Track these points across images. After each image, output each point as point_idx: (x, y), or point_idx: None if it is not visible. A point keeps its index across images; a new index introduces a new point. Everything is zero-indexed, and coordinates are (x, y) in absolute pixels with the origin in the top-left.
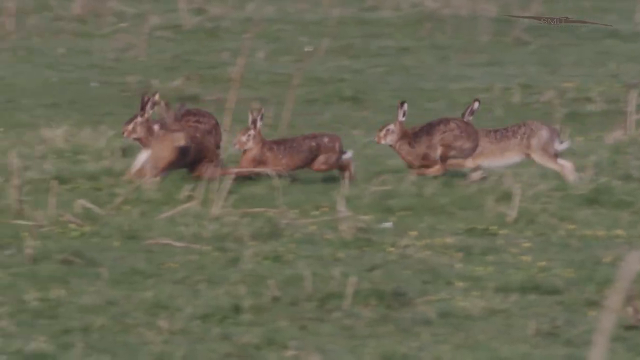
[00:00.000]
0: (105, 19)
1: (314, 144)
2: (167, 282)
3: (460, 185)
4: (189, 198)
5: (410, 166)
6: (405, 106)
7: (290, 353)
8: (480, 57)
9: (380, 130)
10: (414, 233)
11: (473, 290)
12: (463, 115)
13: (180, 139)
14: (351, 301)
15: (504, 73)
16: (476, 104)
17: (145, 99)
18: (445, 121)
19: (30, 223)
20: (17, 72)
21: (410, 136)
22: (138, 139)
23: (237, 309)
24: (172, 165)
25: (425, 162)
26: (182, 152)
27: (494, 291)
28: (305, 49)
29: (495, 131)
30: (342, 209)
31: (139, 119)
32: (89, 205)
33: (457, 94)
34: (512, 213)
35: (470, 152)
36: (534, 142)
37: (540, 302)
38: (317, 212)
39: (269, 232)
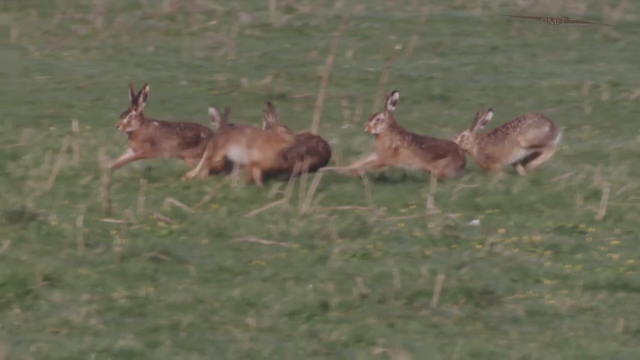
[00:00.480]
0: (195, 17)
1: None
2: (255, 279)
3: (548, 183)
4: (277, 196)
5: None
6: (396, 95)
7: (378, 350)
8: (569, 54)
9: (370, 120)
10: (502, 231)
11: (561, 288)
12: (474, 123)
13: (291, 140)
14: (439, 299)
15: (593, 70)
16: (490, 114)
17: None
18: (444, 151)
19: (119, 221)
20: (106, 70)
21: (402, 129)
22: (130, 133)
23: (325, 307)
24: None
25: (390, 156)
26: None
27: (582, 289)
28: (396, 48)
29: (495, 131)
30: (431, 206)
31: (134, 113)
32: (178, 203)
33: (546, 91)
34: (600, 211)
35: (460, 173)
36: (530, 133)
37: (629, 300)
38: (405, 210)
39: (357, 230)
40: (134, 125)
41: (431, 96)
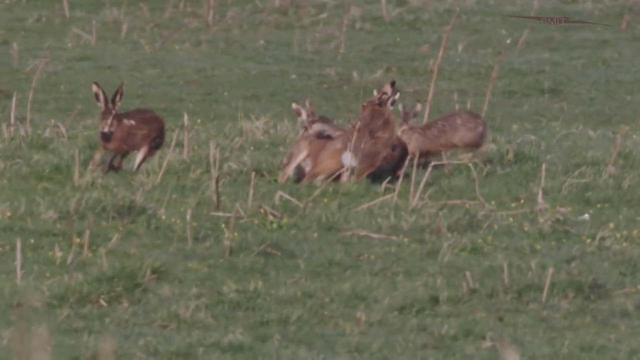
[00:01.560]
0: (306, 11)
1: None
2: (365, 273)
3: None
4: (387, 190)
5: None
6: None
7: (487, 344)
8: None
9: None
10: (612, 225)
11: None
12: (407, 117)
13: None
14: (548, 293)
15: None
16: (418, 106)
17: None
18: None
19: (228, 215)
20: (217, 64)
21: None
22: (110, 134)
23: (434, 301)
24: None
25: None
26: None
27: None
28: (507, 42)
29: (429, 127)
30: (541, 200)
31: (114, 112)
32: (288, 197)
33: None
34: None
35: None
36: (467, 136)
37: None
38: (515, 204)
39: (467, 224)
40: (115, 125)
41: (541, 90)
